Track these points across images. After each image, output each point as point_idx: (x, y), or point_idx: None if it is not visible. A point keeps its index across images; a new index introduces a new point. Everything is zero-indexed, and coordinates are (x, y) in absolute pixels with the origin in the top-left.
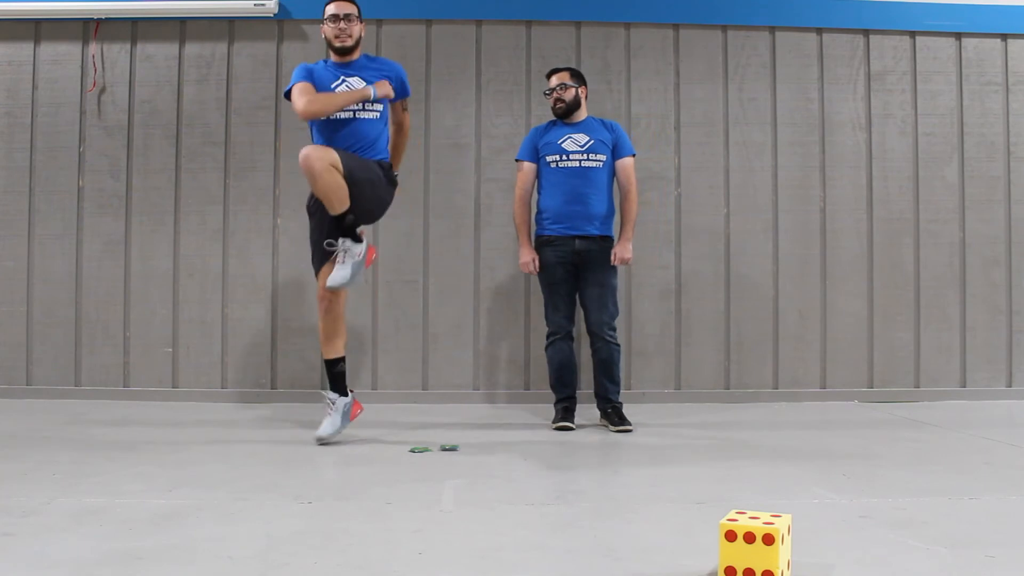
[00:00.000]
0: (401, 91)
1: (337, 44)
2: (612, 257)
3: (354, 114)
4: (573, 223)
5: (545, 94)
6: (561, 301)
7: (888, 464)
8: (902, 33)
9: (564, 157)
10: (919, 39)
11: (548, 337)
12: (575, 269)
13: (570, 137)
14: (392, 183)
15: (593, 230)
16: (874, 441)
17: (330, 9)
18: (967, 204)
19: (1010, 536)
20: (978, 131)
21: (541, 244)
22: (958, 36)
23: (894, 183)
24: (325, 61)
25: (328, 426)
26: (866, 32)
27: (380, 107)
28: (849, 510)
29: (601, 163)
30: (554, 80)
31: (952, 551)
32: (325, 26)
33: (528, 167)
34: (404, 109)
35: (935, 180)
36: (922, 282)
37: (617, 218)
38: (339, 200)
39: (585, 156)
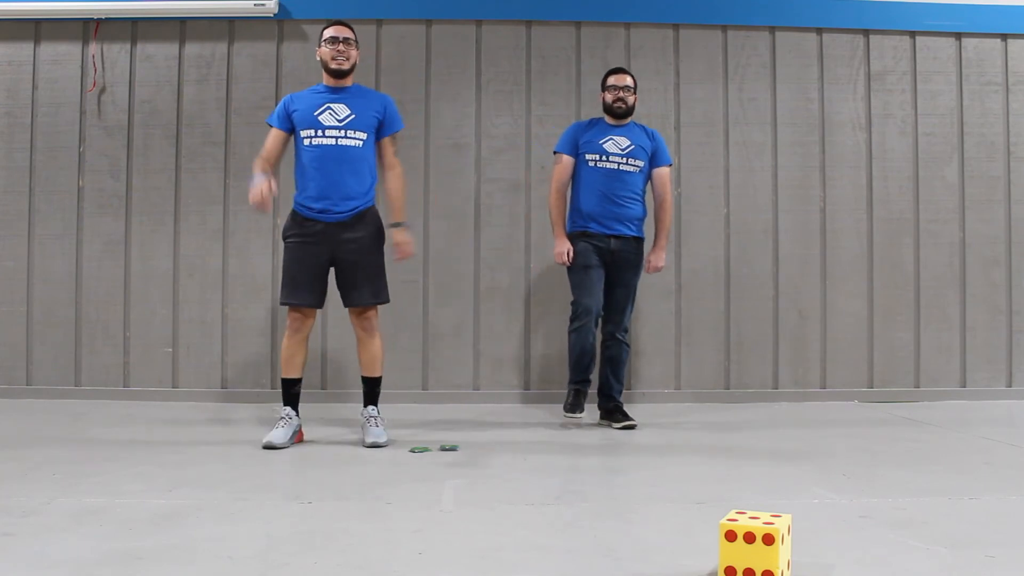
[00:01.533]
0: (388, 120)
1: (333, 66)
2: (646, 264)
3: (336, 141)
4: (608, 223)
5: (607, 89)
6: (595, 285)
7: (888, 464)
8: (902, 33)
9: (603, 158)
10: (919, 39)
11: (574, 320)
12: (606, 265)
13: (612, 139)
14: (380, 238)
15: (628, 231)
16: (874, 441)
17: (329, 32)
18: (967, 204)
19: (1010, 536)
20: (978, 131)
21: (576, 237)
22: (958, 36)
23: (894, 183)
24: (318, 86)
25: (281, 435)
26: (866, 32)
27: (364, 135)
28: (849, 510)
29: (638, 168)
30: (617, 80)
31: (952, 551)
32: (322, 48)
33: (567, 160)
34: (394, 150)
35: (935, 180)
36: (922, 282)
37: (649, 223)
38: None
39: (624, 160)
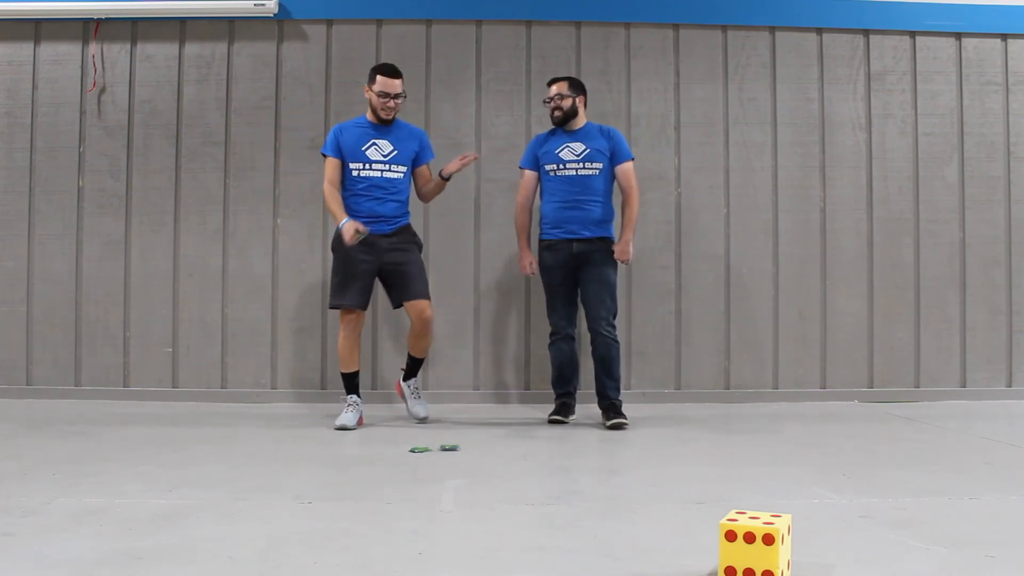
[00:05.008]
0: (423, 151)
1: (382, 115)
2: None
3: (381, 173)
4: (570, 228)
5: (544, 102)
6: (559, 303)
7: (888, 464)
8: (902, 33)
9: (561, 166)
10: (919, 39)
11: (550, 336)
12: (574, 271)
13: (567, 146)
14: (420, 248)
15: (590, 234)
16: (874, 441)
17: (381, 86)
18: (967, 204)
19: (1010, 536)
20: (978, 131)
21: (542, 248)
22: (958, 36)
23: (894, 183)
24: (361, 120)
25: (351, 418)
26: (866, 32)
27: (404, 168)
28: (849, 510)
29: (598, 171)
30: (553, 89)
31: (952, 551)
32: (372, 96)
33: (529, 175)
34: (430, 175)
35: (935, 180)
36: (922, 282)
37: (618, 220)
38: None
39: (581, 165)
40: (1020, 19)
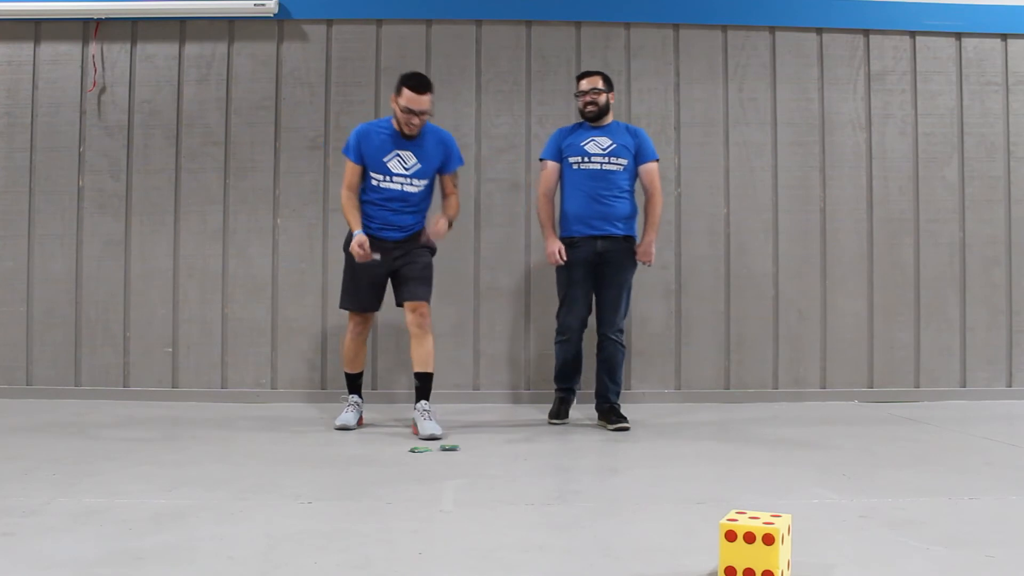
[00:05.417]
0: (449, 160)
1: (406, 131)
2: (637, 257)
3: (402, 187)
4: (594, 224)
5: (576, 96)
6: (576, 303)
7: (888, 464)
8: (902, 33)
9: (586, 159)
10: (919, 39)
11: (558, 335)
12: (595, 269)
13: (593, 140)
14: (432, 250)
15: (615, 230)
16: (874, 441)
17: (407, 101)
18: (967, 204)
19: (1010, 536)
20: (978, 131)
21: (565, 247)
22: (958, 36)
23: (894, 183)
24: (386, 124)
25: (351, 418)
26: (866, 32)
27: (425, 182)
28: (849, 510)
29: (622, 167)
30: (586, 84)
31: (952, 551)
32: (398, 110)
33: (552, 166)
34: (454, 185)
35: (935, 180)
36: (922, 282)
37: (640, 219)
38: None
39: (607, 159)
40: (1020, 19)
